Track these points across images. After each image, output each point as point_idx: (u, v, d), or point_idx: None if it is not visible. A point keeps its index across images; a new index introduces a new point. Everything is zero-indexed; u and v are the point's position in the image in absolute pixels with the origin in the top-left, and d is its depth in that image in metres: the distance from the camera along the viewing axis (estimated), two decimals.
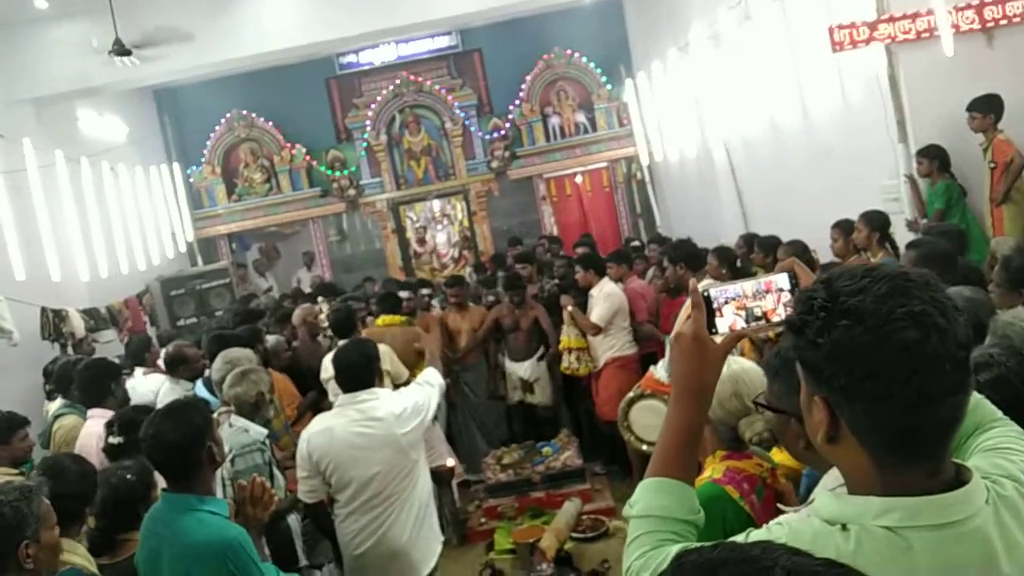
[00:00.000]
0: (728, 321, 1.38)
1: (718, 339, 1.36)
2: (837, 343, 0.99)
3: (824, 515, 1.08)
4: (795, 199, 6.69)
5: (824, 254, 5.23)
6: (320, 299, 7.62)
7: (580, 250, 8.19)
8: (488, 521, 5.63)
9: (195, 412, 2.70)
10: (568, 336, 6.23)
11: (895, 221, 5.20)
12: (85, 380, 4.35)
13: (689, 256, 5.88)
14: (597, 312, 5.99)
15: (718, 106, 8.12)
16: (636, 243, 9.68)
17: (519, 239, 10.71)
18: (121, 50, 7.18)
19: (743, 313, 1.38)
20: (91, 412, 4.19)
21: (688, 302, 1.41)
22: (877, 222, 4.66)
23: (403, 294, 6.98)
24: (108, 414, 3.97)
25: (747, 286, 1.39)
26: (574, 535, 5.14)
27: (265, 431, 3.74)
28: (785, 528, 1.11)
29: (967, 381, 1.02)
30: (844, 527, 1.02)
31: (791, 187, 6.82)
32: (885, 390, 0.98)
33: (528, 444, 6.34)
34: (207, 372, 4.90)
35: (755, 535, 1.25)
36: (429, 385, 3.90)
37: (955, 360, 0.98)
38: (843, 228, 4.95)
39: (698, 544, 1.17)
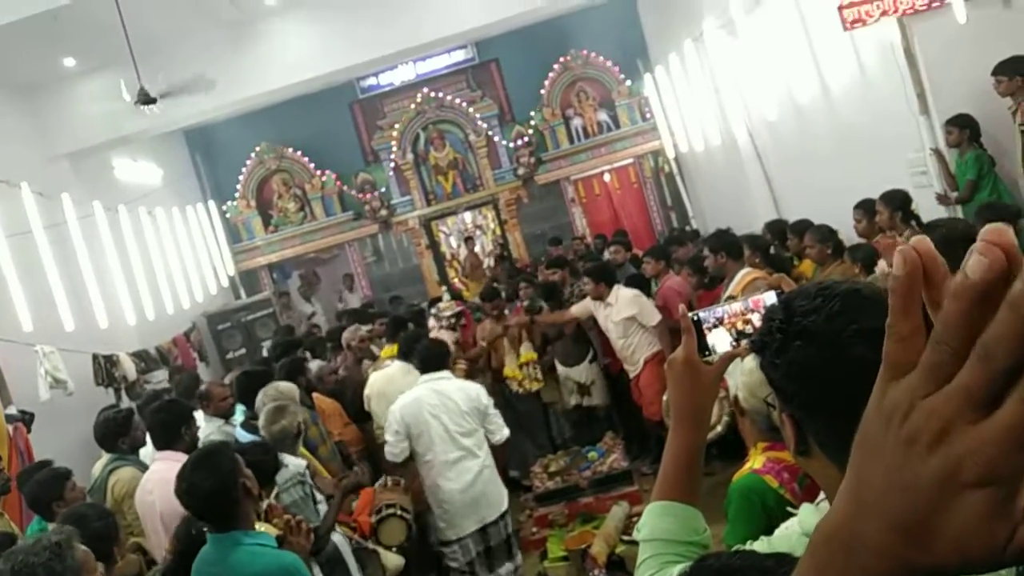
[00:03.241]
0: (720, 342, 1.40)
1: (712, 360, 1.39)
2: (793, 363, 1.00)
3: (803, 527, 1.10)
4: (823, 180, 6.62)
5: (852, 235, 5.17)
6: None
7: (613, 249, 8.21)
8: (539, 530, 5.66)
9: (222, 457, 2.80)
10: (525, 350, 6.32)
11: (925, 195, 5.12)
12: (157, 422, 4.22)
13: (728, 245, 5.80)
14: (648, 310, 5.97)
15: (739, 93, 8.07)
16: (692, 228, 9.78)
17: (559, 239, 10.72)
18: (146, 99, 7.40)
19: (733, 333, 1.40)
20: (160, 455, 4.08)
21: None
22: (897, 201, 4.59)
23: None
24: (178, 456, 3.97)
25: (736, 306, 1.41)
26: (624, 538, 5.15)
27: (303, 463, 3.84)
28: (763, 544, 1.13)
29: None
30: None
31: (818, 168, 6.75)
32: (841, 406, 1.00)
33: (574, 450, 6.37)
34: (238, 412, 5.01)
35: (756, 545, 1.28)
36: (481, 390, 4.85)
37: None
38: (866, 209, 4.89)
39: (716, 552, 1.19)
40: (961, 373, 0.42)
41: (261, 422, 3.96)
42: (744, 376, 2.24)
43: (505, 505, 4.75)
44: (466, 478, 4.56)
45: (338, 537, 3.83)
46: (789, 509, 1.57)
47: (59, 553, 2.22)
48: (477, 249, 12.27)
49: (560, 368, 6.72)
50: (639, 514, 5.56)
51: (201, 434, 4.63)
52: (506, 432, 4.83)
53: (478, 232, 12.39)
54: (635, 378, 6.14)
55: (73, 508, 3.17)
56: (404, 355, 5.48)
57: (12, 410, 5.82)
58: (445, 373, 4.76)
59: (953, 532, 0.42)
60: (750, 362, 2.21)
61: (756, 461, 2.26)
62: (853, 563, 0.47)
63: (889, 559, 0.45)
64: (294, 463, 3.80)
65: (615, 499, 5.53)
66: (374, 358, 6.51)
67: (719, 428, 3.33)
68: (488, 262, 12.22)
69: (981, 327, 0.42)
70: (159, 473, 3.93)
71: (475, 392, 4.76)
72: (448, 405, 4.58)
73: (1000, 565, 0.42)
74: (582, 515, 5.65)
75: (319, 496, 3.82)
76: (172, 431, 4.12)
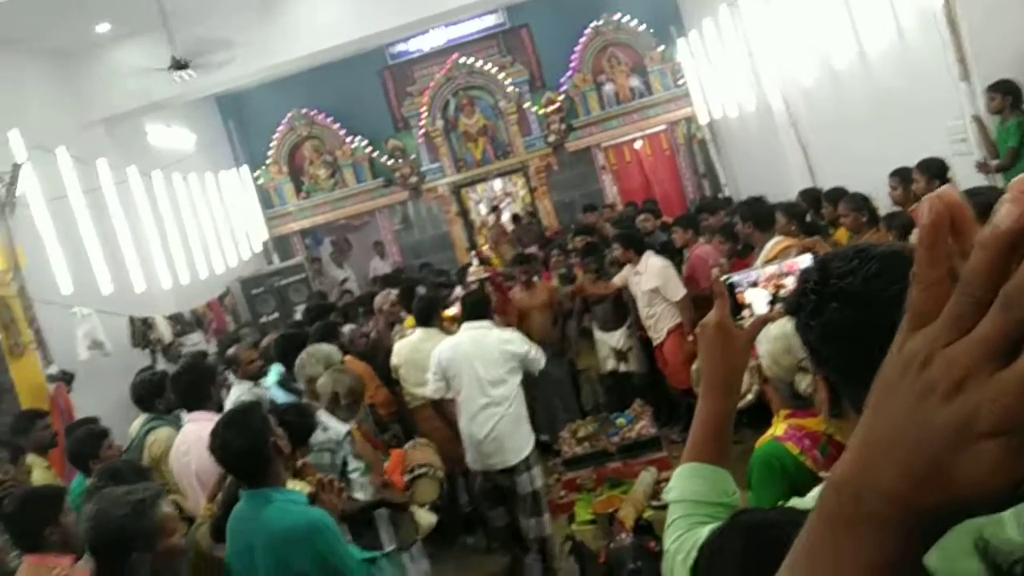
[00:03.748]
0: (757, 301, 1.40)
1: (744, 325, 1.38)
2: (828, 325, 0.99)
3: None
4: (859, 147, 6.50)
5: (888, 204, 5.08)
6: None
7: (642, 217, 8.16)
8: (567, 494, 5.70)
9: (252, 415, 2.86)
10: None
11: (964, 163, 5.02)
12: (186, 383, 4.31)
13: (758, 215, 5.73)
14: (674, 284, 5.97)
15: (774, 58, 7.92)
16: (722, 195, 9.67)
17: (594, 205, 10.64)
18: (179, 65, 7.45)
19: (769, 296, 1.40)
20: (191, 416, 4.16)
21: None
22: (934, 169, 4.50)
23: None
24: (209, 416, 4.02)
25: (771, 269, 1.40)
26: (652, 503, 5.18)
27: (345, 429, 3.81)
28: (796, 503, 1.14)
29: None
30: None
31: (854, 135, 6.63)
32: (877, 369, 0.99)
33: (603, 416, 6.39)
34: (272, 373, 5.08)
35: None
36: (535, 348, 5.02)
37: None
38: (901, 176, 4.80)
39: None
40: (982, 322, 0.42)
41: (320, 382, 3.97)
42: (767, 344, 2.23)
43: (525, 454, 4.89)
44: (487, 426, 4.78)
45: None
46: (821, 474, 1.58)
47: (140, 511, 2.23)
48: (504, 219, 12.24)
49: (597, 333, 6.73)
50: (668, 480, 5.57)
51: (231, 396, 4.74)
52: (542, 359, 5.08)
53: (508, 200, 12.36)
54: (658, 346, 6.16)
55: (109, 464, 3.26)
56: (422, 322, 5.51)
57: (53, 370, 5.99)
58: (486, 322, 4.95)
59: (965, 480, 0.43)
60: (775, 329, 2.20)
61: (778, 428, 2.26)
62: (862, 509, 0.47)
63: (899, 505, 0.46)
64: (334, 429, 3.77)
65: (643, 465, 5.54)
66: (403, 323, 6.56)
67: (750, 396, 3.32)
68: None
69: (1006, 278, 0.42)
70: (193, 433, 4.01)
71: (513, 341, 4.92)
72: (484, 353, 4.78)
73: (1005, 507, 0.43)
74: (610, 480, 5.68)
75: (353, 464, 3.80)
76: (200, 391, 4.24)
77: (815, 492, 1.34)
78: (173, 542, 2.30)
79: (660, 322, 6.08)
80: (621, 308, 6.62)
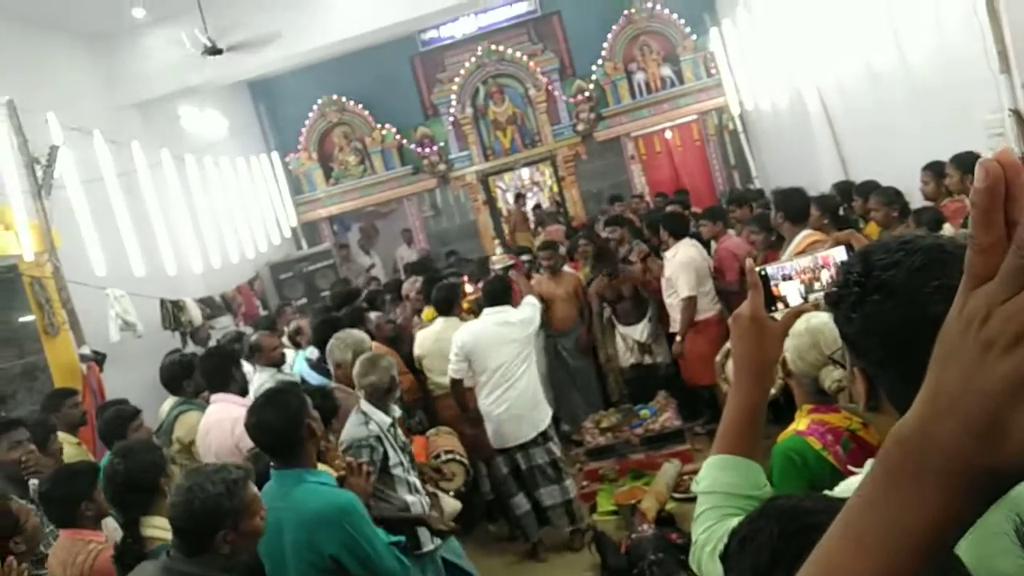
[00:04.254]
0: (792, 293, 1.38)
1: (777, 316, 1.37)
2: (870, 317, 0.98)
3: None
4: (894, 140, 6.39)
5: (920, 199, 5.00)
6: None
7: (671, 208, 8.10)
8: (590, 484, 5.73)
9: (291, 396, 2.90)
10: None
11: None
12: (208, 368, 4.43)
13: (790, 207, 5.62)
14: (683, 281, 5.96)
15: (808, 49, 7.80)
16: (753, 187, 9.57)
17: (620, 196, 10.59)
18: (213, 50, 7.52)
19: (803, 288, 1.38)
20: (215, 397, 4.27)
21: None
22: (968, 164, 4.41)
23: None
24: (233, 398, 4.15)
25: (805, 261, 1.39)
26: (675, 495, 5.18)
27: (388, 420, 3.76)
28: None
29: None
30: None
31: (889, 128, 6.51)
32: (917, 363, 0.98)
33: (626, 407, 6.38)
34: (308, 353, 5.13)
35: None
36: (532, 305, 5.28)
37: None
38: (934, 171, 4.71)
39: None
40: None
41: (357, 373, 3.88)
42: (793, 339, 2.22)
43: (543, 427, 5.07)
44: (505, 405, 4.97)
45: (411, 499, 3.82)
46: (850, 468, 1.56)
47: (232, 491, 2.27)
48: (526, 208, 12.21)
49: (621, 328, 6.72)
50: (690, 472, 5.61)
51: (255, 383, 4.79)
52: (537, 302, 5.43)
53: (535, 189, 12.34)
54: (676, 335, 6.18)
55: (125, 443, 3.29)
56: (443, 312, 5.53)
57: (85, 350, 6.09)
58: (507, 307, 5.11)
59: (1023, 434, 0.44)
60: (800, 324, 2.19)
61: (800, 423, 2.25)
62: (925, 465, 0.49)
63: (961, 461, 0.47)
64: (378, 419, 3.72)
65: (666, 457, 5.55)
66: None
67: (773, 391, 3.29)
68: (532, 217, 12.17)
69: None
70: (215, 415, 4.15)
71: (531, 319, 5.18)
72: (505, 337, 4.97)
73: None
74: (632, 471, 5.69)
75: (394, 457, 3.70)
76: (225, 374, 4.32)
77: (844, 484, 1.33)
78: (255, 523, 2.34)
79: (674, 312, 6.10)
80: (642, 302, 6.60)
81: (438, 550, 3.77)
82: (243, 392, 4.29)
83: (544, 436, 5.08)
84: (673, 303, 6.12)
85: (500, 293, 5.18)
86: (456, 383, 5.16)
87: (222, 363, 4.41)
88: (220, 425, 4.06)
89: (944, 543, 0.51)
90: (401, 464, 3.74)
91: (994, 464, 0.46)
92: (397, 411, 3.97)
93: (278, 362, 5.08)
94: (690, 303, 5.94)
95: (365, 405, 3.79)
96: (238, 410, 3.90)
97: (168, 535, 2.68)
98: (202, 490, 2.24)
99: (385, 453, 3.67)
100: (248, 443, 3.15)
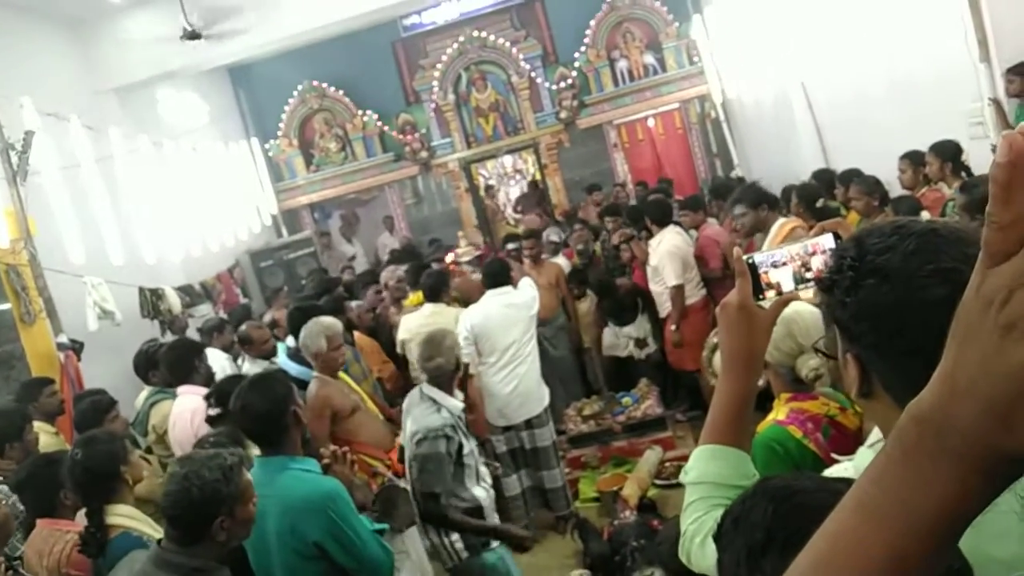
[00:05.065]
0: (784, 280, 1.37)
1: (765, 305, 1.36)
2: (864, 302, 0.98)
3: (858, 470, 1.09)
4: (875, 130, 6.42)
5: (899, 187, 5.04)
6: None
7: (653, 198, 8.10)
8: (572, 471, 5.74)
9: (277, 382, 2.90)
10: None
11: (980, 147, 4.96)
12: (171, 360, 4.44)
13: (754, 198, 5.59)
14: (670, 270, 5.98)
15: (791, 38, 7.81)
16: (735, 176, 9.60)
17: (598, 185, 10.58)
18: (192, 34, 7.42)
19: (791, 276, 1.38)
20: (180, 389, 4.30)
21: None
22: (948, 152, 4.45)
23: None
24: (196, 390, 4.14)
25: (794, 249, 1.38)
26: (657, 482, 5.21)
27: (460, 406, 3.62)
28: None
29: None
30: None
31: (871, 118, 6.54)
32: (912, 347, 0.98)
33: (608, 395, 6.41)
34: (288, 342, 5.09)
35: None
36: (532, 287, 5.35)
37: None
38: (912, 159, 4.75)
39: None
40: None
41: (420, 357, 3.72)
42: None
43: (546, 403, 5.23)
44: (513, 383, 5.10)
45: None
46: (834, 456, 1.56)
47: (229, 476, 2.26)
48: (514, 194, 12.19)
49: (616, 328, 6.72)
50: (672, 459, 5.64)
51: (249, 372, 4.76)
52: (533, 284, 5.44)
53: (517, 176, 12.30)
54: (664, 322, 6.21)
55: (87, 434, 3.27)
56: (431, 297, 5.54)
57: (63, 338, 6.01)
58: (506, 288, 5.20)
59: None
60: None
61: (779, 412, 2.26)
62: (942, 445, 0.48)
63: (979, 442, 0.47)
64: (449, 405, 3.58)
65: (648, 444, 5.58)
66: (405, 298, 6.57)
67: (760, 382, 3.29)
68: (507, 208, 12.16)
69: None
70: (180, 405, 4.19)
71: (534, 298, 5.25)
72: (513, 317, 5.10)
73: None
74: (615, 459, 5.72)
75: (467, 445, 3.54)
76: (186, 366, 4.35)
77: (835, 468, 1.33)
78: (249, 509, 2.33)
79: (664, 302, 6.15)
80: (632, 295, 6.61)
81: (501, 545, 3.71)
82: (208, 383, 4.26)
83: (548, 413, 5.20)
84: (659, 290, 6.16)
85: (500, 274, 5.26)
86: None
87: (184, 355, 4.44)
88: (182, 416, 4.08)
89: (956, 526, 0.50)
90: (472, 452, 3.63)
91: (1013, 447, 0.45)
92: (460, 395, 3.80)
93: (269, 353, 5.06)
94: (679, 291, 5.97)
95: (432, 390, 3.64)
96: (197, 401, 3.90)
97: (132, 523, 2.69)
98: (199, 477, 2.22)
99: (460, 443, 3.55)
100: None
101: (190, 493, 2.20)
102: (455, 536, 3.56)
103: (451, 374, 3.69)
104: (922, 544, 0.50)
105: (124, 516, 2.73)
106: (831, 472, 1.32)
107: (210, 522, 2.22)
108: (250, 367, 4.93)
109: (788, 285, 1.36)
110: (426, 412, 3.55)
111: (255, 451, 3.00)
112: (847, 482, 0.85)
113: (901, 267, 0.95)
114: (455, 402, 3.66)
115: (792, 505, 0.96)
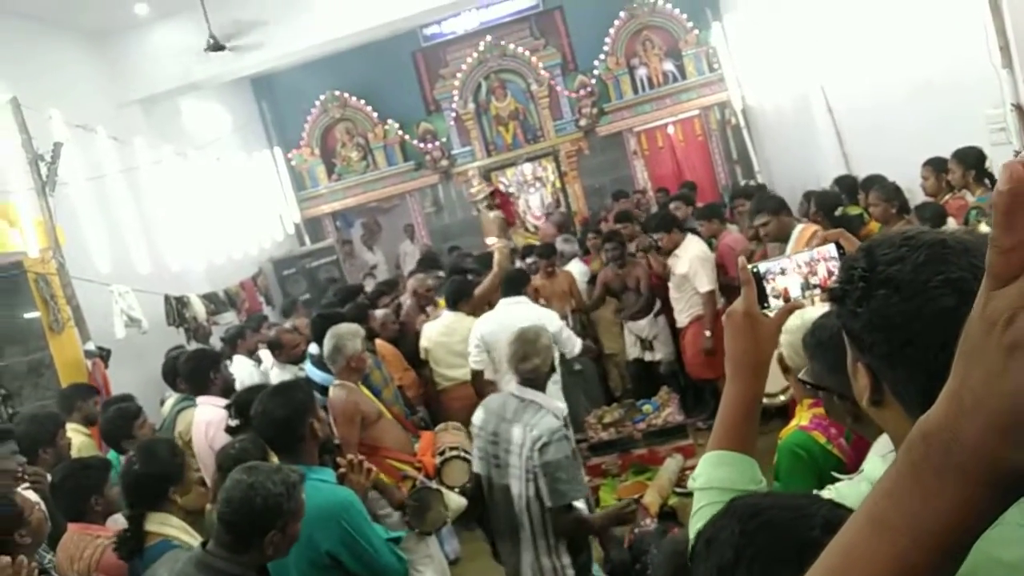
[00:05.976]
0: (792, 286, 1.40)
1: (770, 313, 1.38)
2: (875, 312, 0.99)
3: (872, 479, 1.10)
4: (896, 136, 6.39)
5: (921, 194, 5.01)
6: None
7: (674, 205, 8.08)
8: (592, 479, 5.73)
9: (298, 391, 2.94)
10: None
11: (1002, 153, 4.92)
12: (187, 371, 4.50)
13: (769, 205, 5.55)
14: (703, 275, 5.96)
15: (811, 44, 7.80)
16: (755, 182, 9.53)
17: (625, 192, 10.51)
18: (216, 46, 7.53)
19: (799, 283, 1.40)
20: (199, 400, 4.35)
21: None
22: (971, 159, 4.42)
23: None
24: (215, 400, 4.20)
25: (799, 257, 1.40)
26: (677, 490, 5.19)
27: (564, 408, 3.49)
28: (832, 492, 1.14)
29: None
30: None
31: (891, 124, 6.51)
32: (923, 357, 0.99)
33: (628, 403, 6.39)
34: (311, 349, 5.14)
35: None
36: (555, 322, 5.10)
37: None
38: (934, 166, 4.72)
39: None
40: None
41: (513, 358, 3.48)
42: (787, 335, 2.22)
43: (567, 409, 5.00)
44: None
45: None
46: (835, 475, 1.58)
47: (291, 493, 2.29)
48: (534, 203, 12.19)
49: (626, 322, 6.73)
50: (693, 467, 5.58)
51: (273, 382, 4.80)
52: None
53: (538, 184, 12.33)
54: (681, 332, 6.17)
55: (147, 441, 3.33)
56: (452, 305, 5.57)
57: (91, 346, 6.12)
58: (522, 298, 5.20)
59: None
60: (794, 320, 2.20)
61: (803, 418, 2.27)
62: (950, 460, 0.50)
63: (986, 458, 0.48)
64: (554, 408, 3.42)
65: (669, 452, 5.55)
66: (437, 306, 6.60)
67: (782, 397, 3.22)
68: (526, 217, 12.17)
69: None
70: (200, 415, 4.23)
71: (545, 318, 4.98)
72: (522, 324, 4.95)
73: None
74: (635, 466, 5.70)
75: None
76: (202, 377, 4.36)
77: (850, 483, 1.34)
78: (298, 527, 2.36)
79: (685, 308, 6.09)
80: (649, 296, 6.61)
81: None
82: (226, 393, 4.30)
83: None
84: (680, 297, 6.11)
85: (517, 283, 5.27)
86: (477, 375, 5.18)
87: (198, 366, 4.46)
88: (198, 427, 4.15)
89: (964, 540, 0.52)
90: (568, 456, 3.44)
91: (1018, 462, 0.47)
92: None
93: (299, 359, 5.10)
94: (711, 296, 5.94)
95: (529, 392, 3.43)
96: (213, 412, 3.94)
97: (173, 532, 2.71)
98: (264, 488, 2.24)
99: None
100: (219, 445, 3.18)
101: (253, 503, 2.22)
102: (567, 560, 3.44)
103: (546, 376, 3.51)
104: (931, 557, 0.52)
105: (164, 525, 2.77)
106: (846, 484, 1.34)
107: (264, 534, 2.25)
108: (279, 373, 4.98)
109: (796, 292, 1.38)
110: (542, 417, 3.32)
111: (274, 460, 3.03)
112: (812, 499, 0.87)
113: (912, 278, 0.96)
114: (559, 404, 3.53)
115: (759, 524, 0.99)
